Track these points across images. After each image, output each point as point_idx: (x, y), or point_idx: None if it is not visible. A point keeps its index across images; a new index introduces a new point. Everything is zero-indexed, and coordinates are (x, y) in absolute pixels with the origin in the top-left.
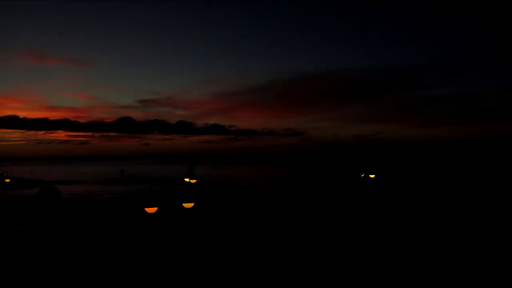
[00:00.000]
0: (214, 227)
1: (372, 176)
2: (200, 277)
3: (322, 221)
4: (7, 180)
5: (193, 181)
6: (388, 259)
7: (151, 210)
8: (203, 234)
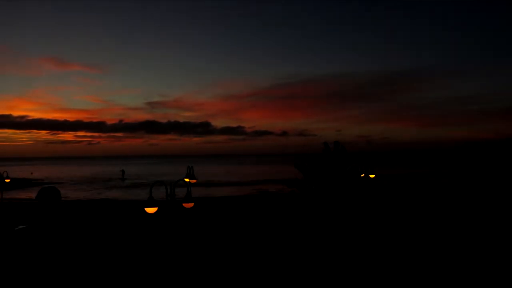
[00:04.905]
0: (214, 227)
1: (372, 176)
2: (200, 277)
3: (322, 221)
4: (7, 180)
5: (193, 181)
6: (389, 260)
7: (151, 210)
8: (203, 234)
